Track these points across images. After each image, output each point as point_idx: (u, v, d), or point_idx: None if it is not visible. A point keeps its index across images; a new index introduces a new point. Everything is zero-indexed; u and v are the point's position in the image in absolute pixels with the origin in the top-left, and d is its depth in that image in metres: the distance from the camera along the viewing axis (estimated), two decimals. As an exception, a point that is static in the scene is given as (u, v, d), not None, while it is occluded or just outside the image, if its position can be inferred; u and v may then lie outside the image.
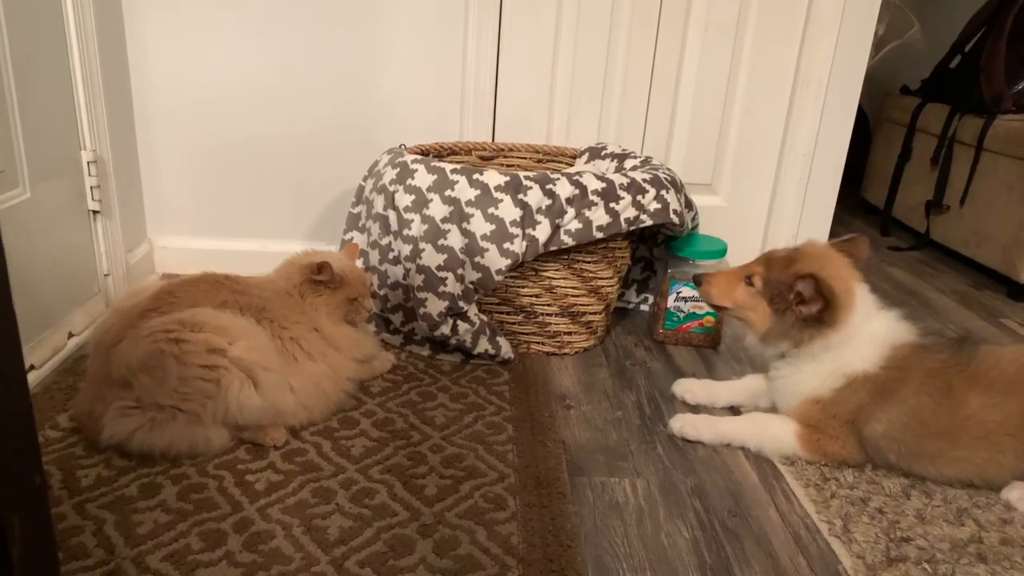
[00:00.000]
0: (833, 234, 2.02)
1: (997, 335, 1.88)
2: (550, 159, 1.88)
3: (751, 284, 1.26)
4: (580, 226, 1.43)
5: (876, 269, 2.38)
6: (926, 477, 1.17)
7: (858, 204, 3.07)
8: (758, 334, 1.26)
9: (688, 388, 1.42)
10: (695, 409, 1.39)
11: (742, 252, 1.98)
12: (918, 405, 1.15)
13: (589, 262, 1.52)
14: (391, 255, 1.50)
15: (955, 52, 2.57)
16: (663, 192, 1.50)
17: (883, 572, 0.97)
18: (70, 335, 1.48)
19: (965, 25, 2.53)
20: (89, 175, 1.55)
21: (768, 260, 1.26)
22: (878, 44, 3.05)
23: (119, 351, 1.09)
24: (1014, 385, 1.13)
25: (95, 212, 1.59)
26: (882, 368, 1.17)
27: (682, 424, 1.28)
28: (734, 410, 1.39)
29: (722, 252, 1.65)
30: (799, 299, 1.19)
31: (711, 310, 1.64)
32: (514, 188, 1.41)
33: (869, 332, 1.20)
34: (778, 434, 1.23)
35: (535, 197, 1.41)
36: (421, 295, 1.44)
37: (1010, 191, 2.17)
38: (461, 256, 1.42)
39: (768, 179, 1.95)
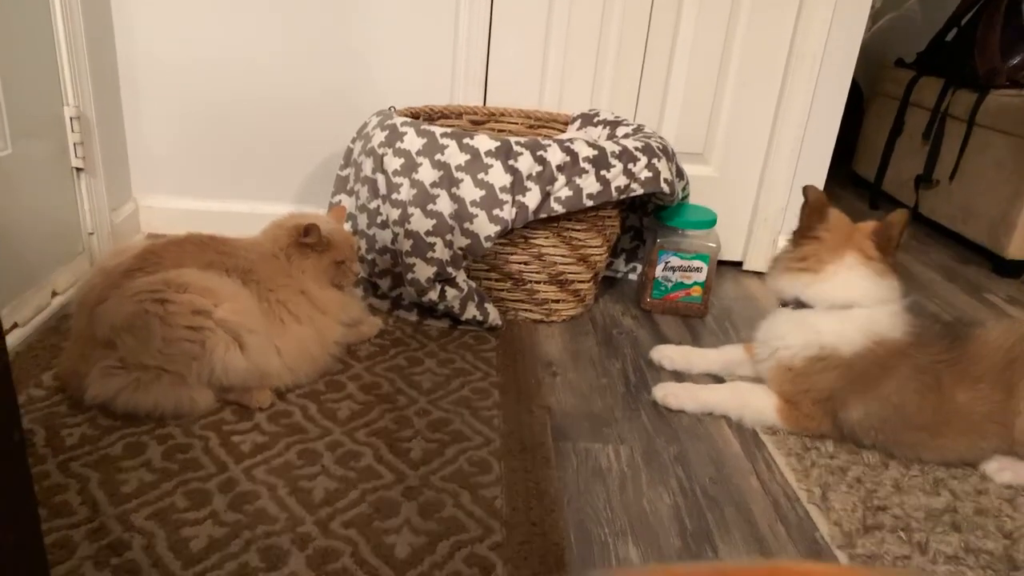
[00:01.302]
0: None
1: (980, 310, 1.90)
2: (542, 125, 1.86)
3: None
4: (570, 193, 1.42)
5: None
6: (903, 459, 1.18)
7: (849, 177, 3.07)
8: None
9: (666, 354, 1.43)
10: (675, 375, 1.40)
11: (732, 223, 1.98)
12: (902, 401, 1.15)
13: (579, 230, 1.51)
14: (379, 219, 1.49)
15: (951, 25, 2.55)
16: (654, 161, 1.49)
17: (859, 540, 0.99)
18: (54, 294, 1.47)
19: (962, -2, 2.51)
20: (72, 131, 1.53)
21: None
22: (875, 15, 3.03)
23: (103, 311, 1.09)
24: (1002, 375, 1.12)
25: (79, 170, 1.56)
26: (858, 356, 1.16)
27: (665, 393, 1.29)
28: (719, 378, 1.40)
29: (712, 222, 1.65)
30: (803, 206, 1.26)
31: (699, 280, 1.64)
32: (504, 154, 1.40)
33: (856, 315, 1.18)
34: (759, 406, 1.24)
35: (526, 163, 1.40)
36: (409, 260, 1.43)
37: (999, 168, 2.17)
38: (450, 222, 1.41)
39: (760, 150, 1.94)
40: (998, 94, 2.22)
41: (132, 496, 0.95)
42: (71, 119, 1.52)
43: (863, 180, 2.95)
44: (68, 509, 0.92)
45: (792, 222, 1.96)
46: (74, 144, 1.53)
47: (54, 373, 1.19)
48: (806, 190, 1.26)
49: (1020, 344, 1.15)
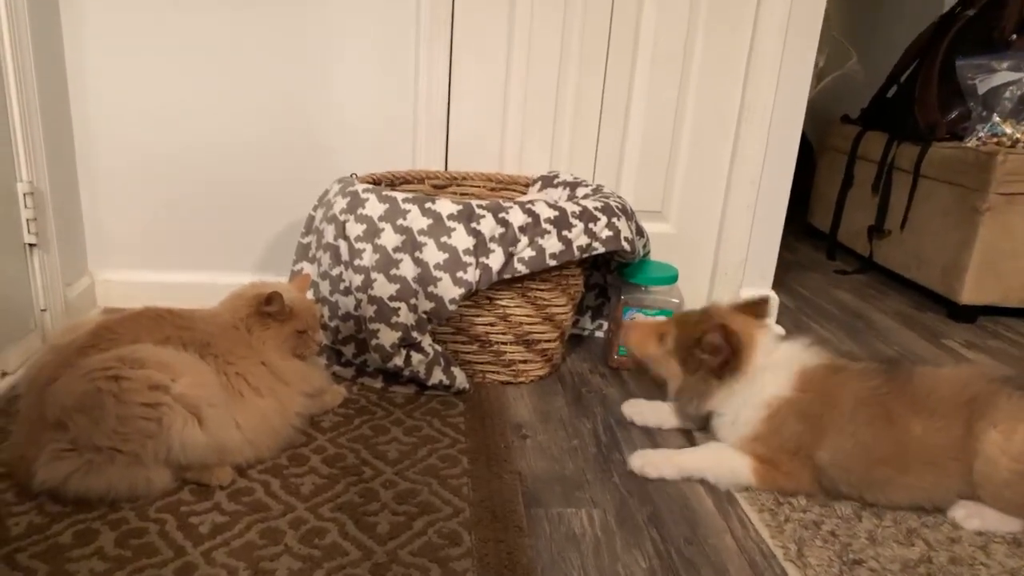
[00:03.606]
0: (781, 260, 2.06)
1: (939, 356, 1.94)
2: (503, 187, 1.88)
3: (663, 342, 1.32)
4: (533, 254, 1.43)
5: (823, 292, 2.43)
6: (877, 504, 1.18)
7: (804, 230, 3.15)
8: (672, 391, 1.33)
9: (637, 409, 1.44)
10: (646, 431, 1.40)
11: (693, 278, 2.00)
12: (857, 432, 1.16)
13: (543, 290, 1.52)
14: (342, 286, 1.48)
15: (891, 82, 2.68)
16: (614, 220, 1.51)
17: (838, 596, 0.98)
18: (3, 374, 1.42)
19: (900, 57, 2.63)
20: (25, 207, 1.50)
21: (679, 321, 1.34)
22: (819, 75, 3.16)
23: (54, 390, 1.05)
24: (957, 409, 1.14)
25: (31, 245, 1.53)
26: (796, 390, 1.20)
27: (643, 463, 1.26)
28: (686, 434, 1.39)
29: (673, 278, 1.66)
30: (709, 350, 1.24)
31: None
32: (467, 217, 1.41)
33: (772, 362, 1.24)
34: (735, 467, 1.23)
35: (488, 226, 1.41)
36: (373, 326, 1.41)
37: (946, 216, 2.25)
38: (414, 286, 1.40)
39: (717, 206, 1.98)
40: (939, 146, 2.32)
41: (82, 588, 0.90)
42: (24, 195, 1.49)
43: (819, 232, 3.03)
44: (12, 606, 0.87)
45: (751, 275, 2.00)
46: (27, 220, 1.50)
47: (0, 459, 1.14)
48: (724, 332, 1.25)
49: (978, 384, 1.16)
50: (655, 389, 1.60)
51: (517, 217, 1.42)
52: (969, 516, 1.14)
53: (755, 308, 1.33)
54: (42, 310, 1.57)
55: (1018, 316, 2.28)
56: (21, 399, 1.13)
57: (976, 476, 1.13)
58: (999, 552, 1.09)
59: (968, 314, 2.22)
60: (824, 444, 1.17)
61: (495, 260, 1.41)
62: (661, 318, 1.41)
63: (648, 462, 1.27)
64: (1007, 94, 2.24)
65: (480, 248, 1.40)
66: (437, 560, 0.99)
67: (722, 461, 1.25)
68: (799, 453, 1.19)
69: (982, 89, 2.28)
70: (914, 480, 1.16)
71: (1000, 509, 1.13)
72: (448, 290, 1.39)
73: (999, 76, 2.26)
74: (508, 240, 1.42)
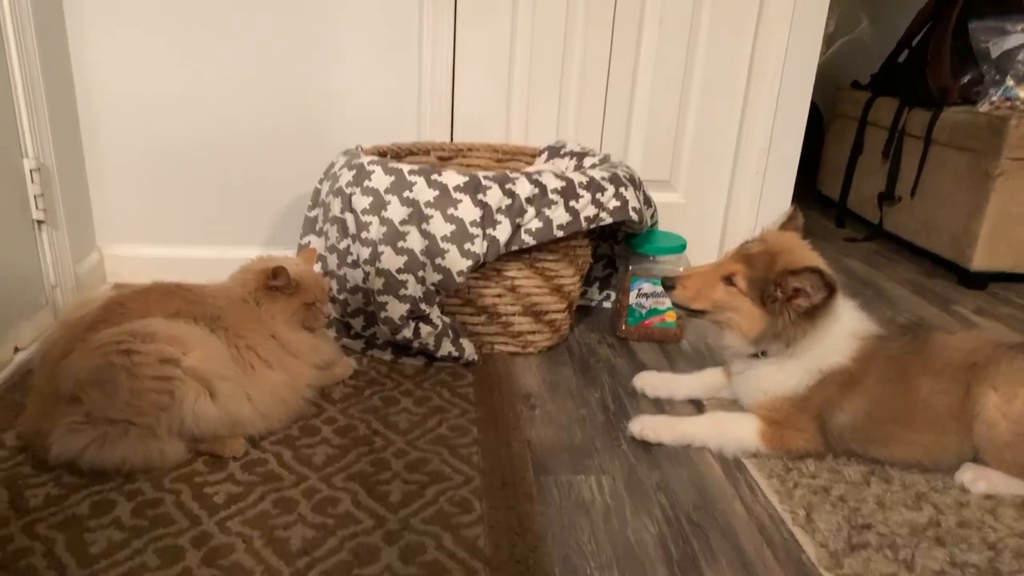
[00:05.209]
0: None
1: (949, 322, 1.93)
2: (510, 158, 1.87)
3: (732, 284, 1.21)
4: (541, 225, 1.42)
5: (833, 260, 2.41)
6: (877, 459, 1.20)
7: (814, 197, 3.12)
8: (749, 336, 1.21)
9: (649, 381, 1.43)
10: (657, 402, 1.40)
11: (701, 247, 2.00)
12: (880, 393, 1.17)
13: (551, 261, 1.51)
14: (350, 259, 1.48)
15: (903, 47, 2.63)
16: (622, 190, 1.50)
17: (845, 559, 0.98)
18: (16, 350, 1.43)
19: (911, 20, 2.59)
20: (32, 183, 1.50)
21: (747, 258, 1.21)
22: (829, 40, 3.12)
23: (67, 365, 1.06)
24: (960, 372, 1.16)
25: (40, 222, 1.53)
26: (853, 360, 1.19)
27: (642, 427, 1.26)
28: (696, 404, 1.40)
29: (681, 248, 1.66)
30: (794, 294, 1.15)
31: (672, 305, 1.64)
32: (473, 188, 1.40)
33: (840, 325, 1.20)
34: (740, 434, 1.23)
35: (495, 197, 1.40)
36: (382, 299, 1.42)
37: (957, 182, 2.23)
38: (421, 258, 1.40)
39: (725, 174, 1.97)
40: (951, 111, 2.28)
41: (101, 557, 0.92)
42: (31, 171, 1.49)
43: (828, 199, 3.01)
44: (34, 573, 0.88)
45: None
46: (34, 196, 1.51)
47: (17, 432, 1.15)
48: (822, 277, 1.15)
49: (983, 350, 1.18)
50: (663, 359, 1.60)
51: (524, 188, 1.42)
52: (976, 479, 1.14)
53: (795, 224, 1.29)
54: (52, 286, 1.58)
55: (1029, 282, 2.26)
56: (34, 374, 1.14)
57: (977, 438, 1.14)
58: (1007, 516, 1.09)
59: (979, 281, 2.21)
60: (847, 407, 1.19)
61: (502, 231, 1.40)
62: (716, 262, 1.27)
63: (647, 426, 1.26)
64: (1021, 57, 2.19)
65: (487, 219, 1.40)
66: (449, 527, 1.00)
67: (726, 428, 1.25)
68: (818, 415, 1.20)
69: (995, 52, 2.24)
70: (915, 437, 1.17)
71: (1003, 470, 1.14)
72: (455, 262, 1.39)
73: (1013, 39, 2.22)
74: (515, 211, 1.41)
